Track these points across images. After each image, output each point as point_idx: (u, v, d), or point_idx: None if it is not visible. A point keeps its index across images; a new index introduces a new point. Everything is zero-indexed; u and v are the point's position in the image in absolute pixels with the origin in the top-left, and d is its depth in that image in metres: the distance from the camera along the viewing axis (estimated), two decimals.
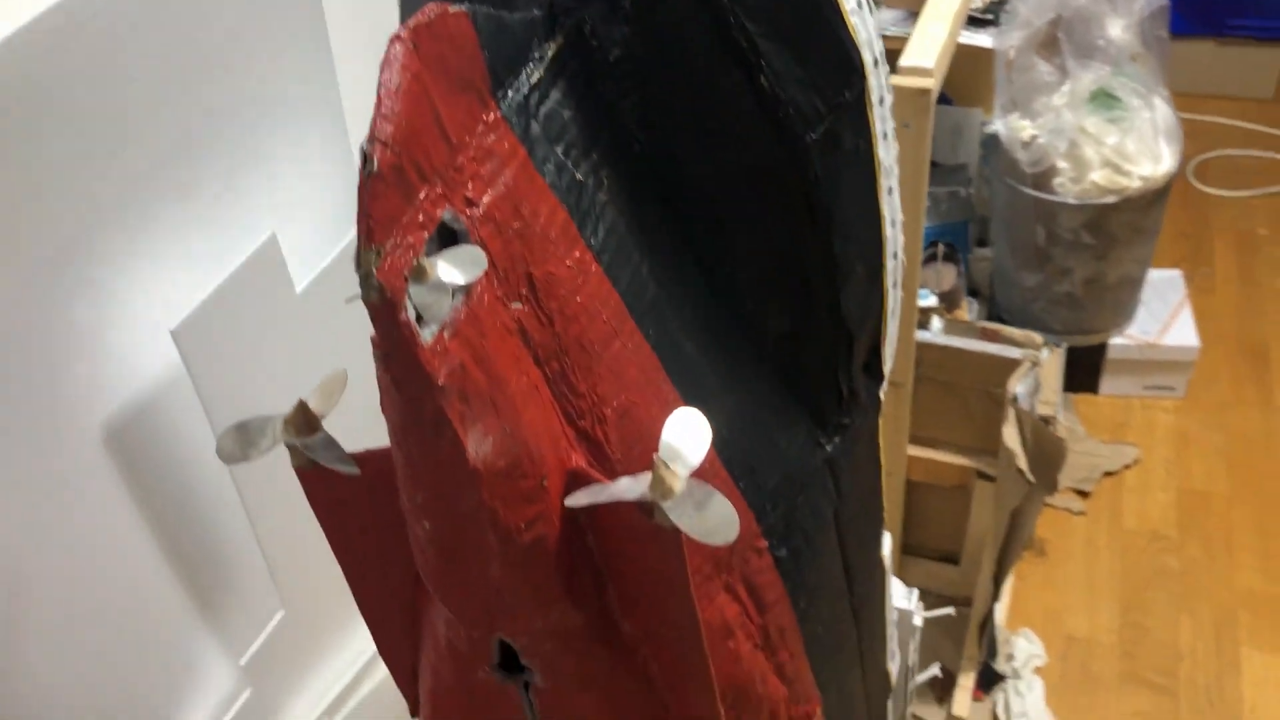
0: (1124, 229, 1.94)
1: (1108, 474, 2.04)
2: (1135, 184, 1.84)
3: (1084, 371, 2.15)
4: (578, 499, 0.52)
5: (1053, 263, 2.01)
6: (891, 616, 0.90)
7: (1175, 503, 1.98)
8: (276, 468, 1.08)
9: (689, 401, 0.61)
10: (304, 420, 0.55)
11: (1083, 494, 2.01)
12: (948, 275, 1.81)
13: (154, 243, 0.94)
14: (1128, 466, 2.05)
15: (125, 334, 0.94)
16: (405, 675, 0.72)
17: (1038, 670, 1.73)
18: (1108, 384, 2.18)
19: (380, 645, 0.70)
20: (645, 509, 0.52)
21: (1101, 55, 1.89)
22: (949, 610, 1.37)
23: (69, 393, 0.92)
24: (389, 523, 0.62)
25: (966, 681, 1.63)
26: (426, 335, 0.46)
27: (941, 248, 1.83)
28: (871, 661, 0.88)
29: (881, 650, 0.91)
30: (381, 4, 1.20)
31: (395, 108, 0.44)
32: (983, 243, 2.33)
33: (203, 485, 1.07)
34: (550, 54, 0.56)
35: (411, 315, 0.45)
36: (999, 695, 1.68)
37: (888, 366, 0.74)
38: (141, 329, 0.95)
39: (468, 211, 0.49)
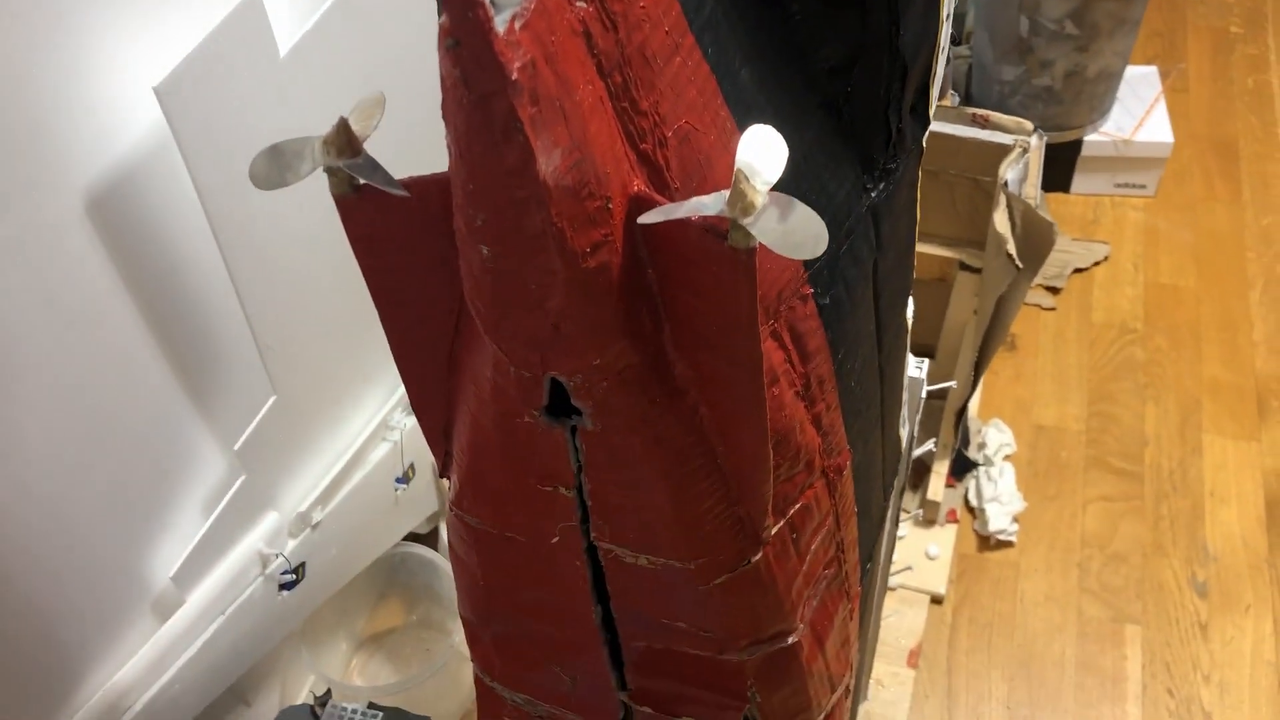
0: (1107, 19, 1.90)
1: (1077, 270, 2.05)
2: None
3: (1058, 169, 2.14)
4: (650, 216, 0.49)
5: (1034, 54, 1.96)
6: (906, 383, 0.90)
7: (1143, 297, 2.01)
8: (268, 241, 1.03)
9: (741, 124, 0.58)
10: (346, 140, 0.51)
11: (1053, 290, 2.02)
12: None
13: None
14: (1098, 263, 2.06)
15: (105, 89, 0.88)
16: (436, 432, 0.70)
17: (1008, 458, 1.77)
18: (1080, 182, 2.17)
19: (414, 398, 0.68)
20: (719, 231, 0.49)
21: None
22: (951, 383, 1.38)
23: (47, 153, 0.86)
24: (434, 259, 0.58)
25: (941, 468, 1.67)
26: (499, 24, 0.42)
27: None
28: (890, 423, 0.88)
29: (898, 414, 0.91)
30: None
31: None
32: (957, 40, 2.27)
33: (189, 261, 1.02)
34: None
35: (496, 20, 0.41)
36: (971, 481, 1.72)
37: (933, 109, 0.71)
38: (122, 85, 0.89)
39: None
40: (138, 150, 0.93)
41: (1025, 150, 1.48)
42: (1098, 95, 2.04)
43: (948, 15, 0.66)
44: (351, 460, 1.31)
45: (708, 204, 0.48)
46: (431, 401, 0.68)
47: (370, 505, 1.37)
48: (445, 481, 1.70)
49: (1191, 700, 1.51)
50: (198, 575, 1.13)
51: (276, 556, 1.22)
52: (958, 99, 2.01)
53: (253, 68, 0.94)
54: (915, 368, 0.96)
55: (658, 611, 0.74)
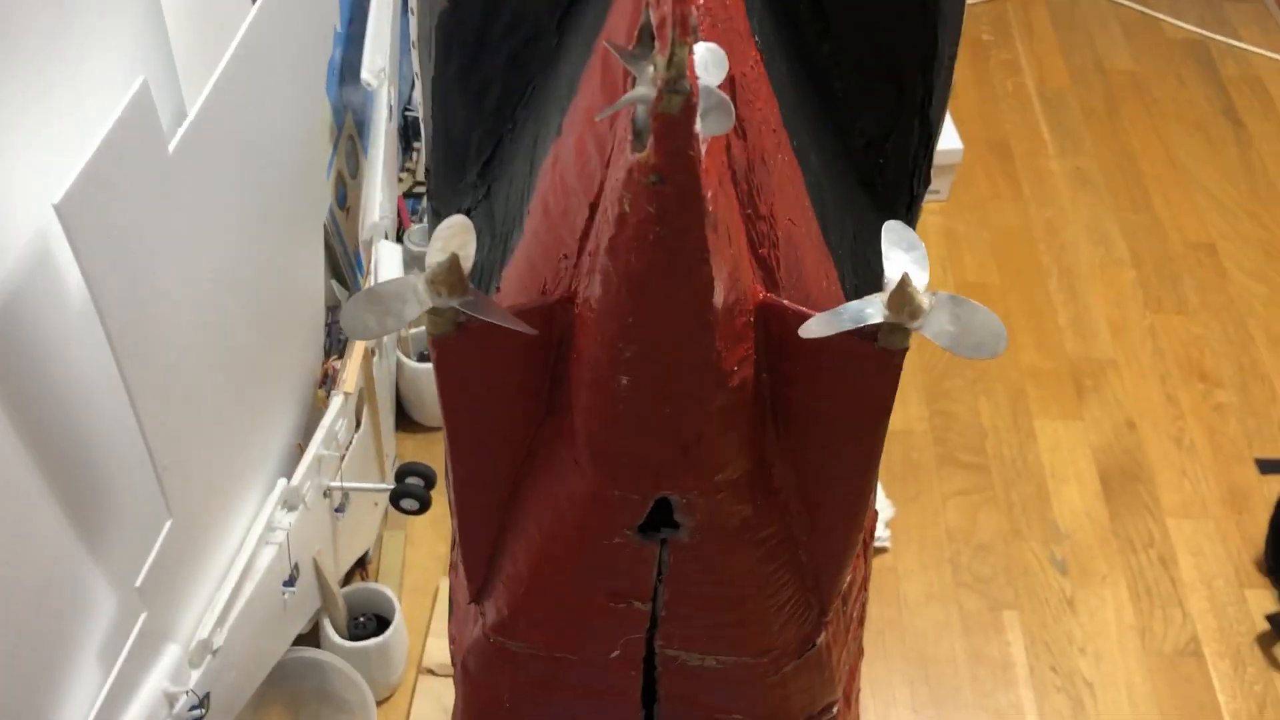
0: None
1: None
2: None
3: None
4: (813, 329, 0.46)
5: None
6: None
7: None
8: (166, 353, 0.93)
9: (818, 216, 0.57)
10: (457, 278, 0.45)
11: None
12: None
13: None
14: None
15: None
16: (482, 559, 0.65)
17: None
18: None
19: (465, 527, 0.62)
20: (868, 334, 0.48)
21: None
22: None
23: None
24: (522, 391, 0.54)
25: None
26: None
27: None
28: None
29: None
30: None
31: None
32: None
33: (77, 387, 0.90)
34: None
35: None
36: None
37: (931, 168, 0.71)
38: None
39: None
40: (16, 270, 0.82)
41: None
42: None
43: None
44: (242, 572, 1.20)
45: (872, 312, 0.46)
46: (483, 532, 0.62)
47: (263, 616, 1.26)
48: (373, 584, 1.59)
49: (1074, 674, 1.61)
50: None
51: (183, 694, 1.10)
52: None
53: (145, 169, 0.85)
54: None
55: (711, 707, 0.72)
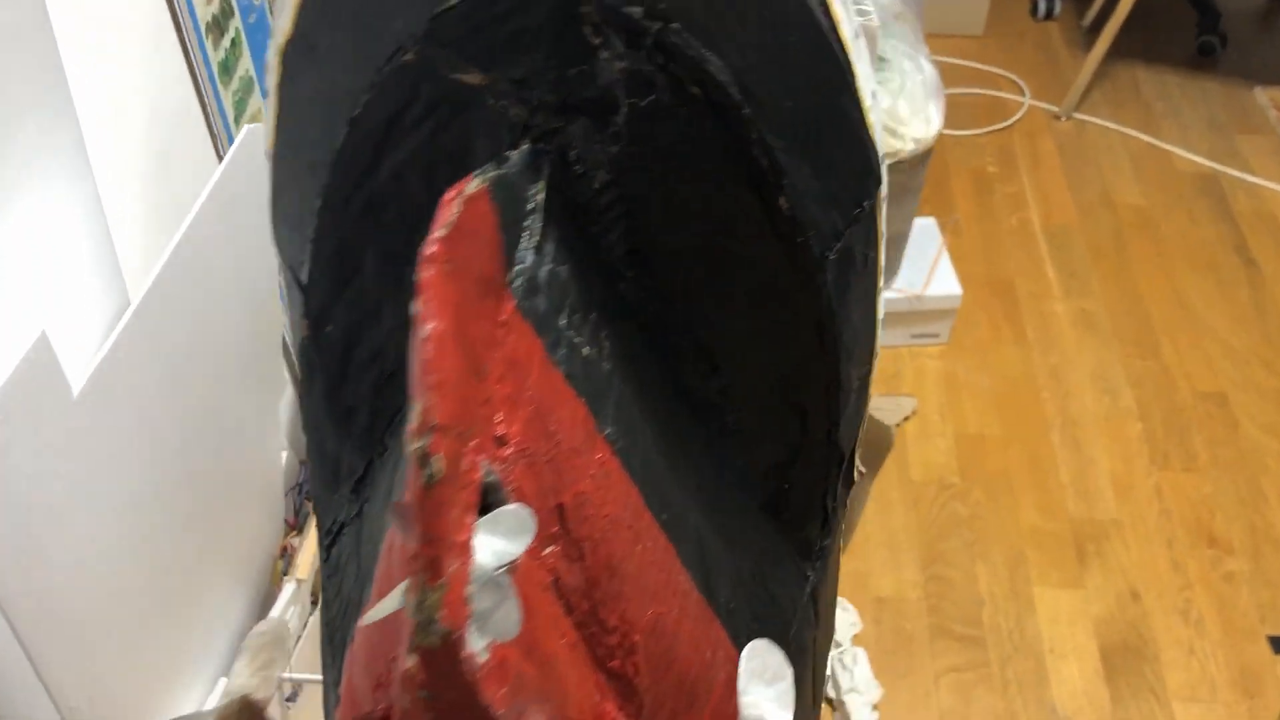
0: (894, 189, 1.95)
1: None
2: (909, 146, 1.85)
3: None
4: None
5: None
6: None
7: (954, 449, 2.06)
8: (64, 601, 0.88)
9: (700, 580, 0.51)
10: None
11: None
12: None
13: None
14: (907, 418, 2.10)
15: None
16: None
17: (856, 639, 1.75)
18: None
19: None
20: None
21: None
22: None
23: None
24: None
25: None
26: (482, 654, 0.33)
27: None
28: None
29: None
30: (122, 74, 0.99)
31: (441, 372, 0.30)
32: None
33: None
34: (540, 196, 0.42)
35: (473, 643, 0.32)
36: (825, 671, 1.69)
37: (857, 471, 0.66)
38: None
39: (500, 455, 0.36)
40: None
41: None
42: (889, 258, 2.09)
43: (872, 380, 0.62)
44: None
45: None
46: None
47: None
48: None
49: None
50: None
51: None
52: None
53: (46, 414, 0.80)
54: None
55: None
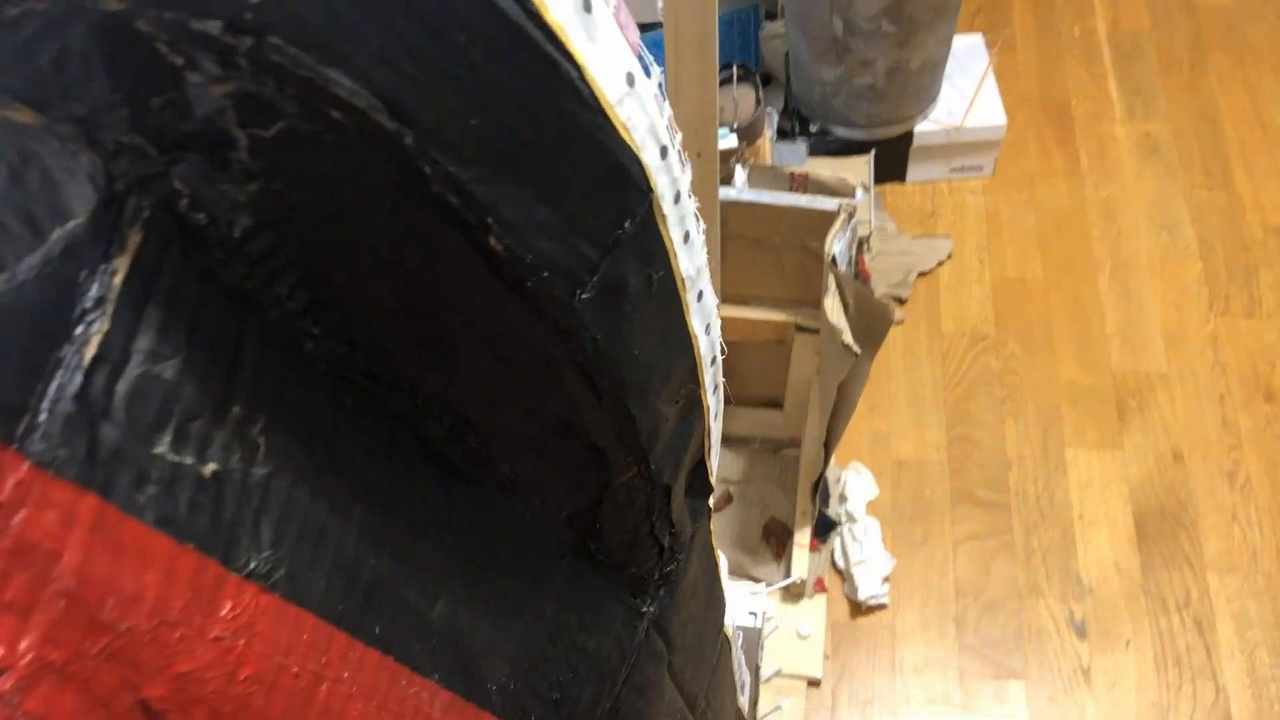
0: (926, 10, 1.76)
1: (921, 274, 1.94)
2: None
3: (891, 161, 2.01)
4: None
5: (852, 55, 1.81)
6: (739, 671, 0.76)
7: (991, 296, 1.91)
8: None
9: (456, 674, 0.42)
10: None
11: (899, 300, 1.91)
12: (745, 101, 1.60)
13: None
14: (941, 262, 1.96)
15: None
16: None
17: (871, 507, 1.67)
18: (915, 170, 2.05)
19: None
20: None
21: None
22: (796, 579, 1.26)
23: None
24: None
25: (802, 539, 1.56)
26: None
27: (736, 69, 1.60)
28: None
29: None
30: None
31: None
32: (771, 14, 2.10)
33: None
34: (123, 270, 0.32)
35: None
36: (835, 540, 1.62)
37: (714, 475, 0.55)
38: None
39: None
40: None
41: (851, 214, 1.34)
42: (924, 85, 1.90)
43: (715, 388, 0.51)
44: None
45: None
46: None
47: None
48: None
49: None
50: None
51: None
52: (774, 117, 1.86)
53: None
54: (750, 614, 0.83)
55: None
